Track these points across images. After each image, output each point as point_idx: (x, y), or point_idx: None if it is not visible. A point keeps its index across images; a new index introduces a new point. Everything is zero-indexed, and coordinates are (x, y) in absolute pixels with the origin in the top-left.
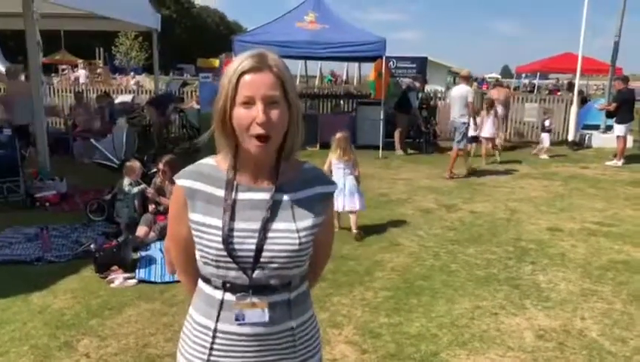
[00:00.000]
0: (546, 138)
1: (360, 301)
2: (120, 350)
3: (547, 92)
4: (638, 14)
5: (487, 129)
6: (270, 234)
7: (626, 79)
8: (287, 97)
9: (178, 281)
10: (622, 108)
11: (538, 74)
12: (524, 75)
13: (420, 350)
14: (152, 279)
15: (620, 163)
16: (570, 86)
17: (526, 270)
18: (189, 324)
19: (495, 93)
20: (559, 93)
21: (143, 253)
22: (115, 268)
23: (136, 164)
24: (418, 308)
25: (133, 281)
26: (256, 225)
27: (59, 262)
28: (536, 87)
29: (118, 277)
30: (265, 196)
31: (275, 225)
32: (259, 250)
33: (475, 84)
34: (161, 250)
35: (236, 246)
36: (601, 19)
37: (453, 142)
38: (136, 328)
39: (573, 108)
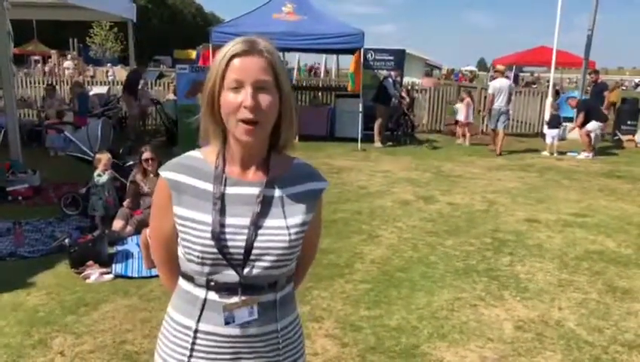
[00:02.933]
0: (554, 133)
1: (340, 294)
2: (96, 347)
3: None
4: (612, 11)
5: (464, 115)
6: (260, 231)
7: (596, 72)
8: (279, 84)
9: (156, 276)
10: (591, 113)
11: (514, 67)
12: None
13: (400, 342)
14: (129, 274)
15: (591, 155)
16: (516, 78)
17: (504, 261)
18: (167, 324)
19: (425, 82)
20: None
21: (120, 248)
22: (90, 263)
23: (103, 155)
24: (398, 301)
25: (110, 276)
26: (246, 221)
27: (32, 258)
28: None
29: (93, 273)
30: (254, 190)
31: (266, 222)
32: (249, 246)
33: (452, 77)
34: (137, 244)
35: (227, 243)
36: (575, 13)
37: (494, 127)
38: (113, 324)
39: (548, 101)
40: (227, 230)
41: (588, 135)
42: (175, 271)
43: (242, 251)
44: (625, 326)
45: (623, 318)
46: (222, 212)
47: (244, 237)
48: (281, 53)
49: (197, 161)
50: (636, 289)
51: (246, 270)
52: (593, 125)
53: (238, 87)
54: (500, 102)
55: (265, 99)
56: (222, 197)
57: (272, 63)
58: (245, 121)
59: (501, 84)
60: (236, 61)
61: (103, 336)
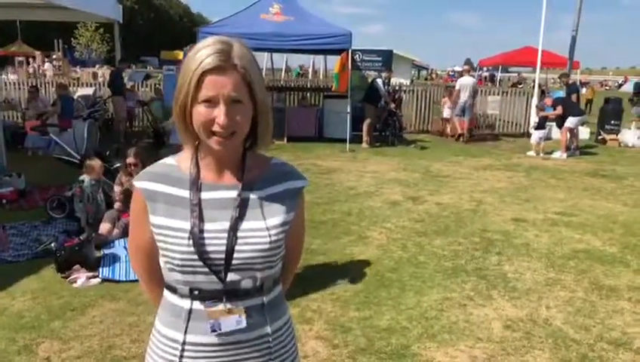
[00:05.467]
0: (541, 134)
1: (330, 295)
2: (83, 353)
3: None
4: (596, 12)
5: (446, 112)
6: (240, 234)
7: (566, 75)
8: (253, 96)
9: None
10: (567, 108)
11: (500, 67)
12: (485, 68)
13: (390, 343)
14: (117, 278)
15: (565, 155)
16: (492, 78)
17: (492, 260)
18: (154, 338)
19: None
20: (482, 84)
21: (107, 251)
22: (77, 267)
23: (96, 162)
24: (387, 301)
25: (97, 280)
26: (225, 226)
27: (17, 262)
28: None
29: (80, 277)
30: (232, 194)
31: (245, 225)
32: (229, 251)
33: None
34: (125, 247)
35: (206, 249)
36: (559, 13)
37: (459, 118)
38: (101, 329)
39: (534, 101)
40: (206, 235)
41: (568, 132)
42: (158, 283)
43: (223, 256)
44: (611, 324)
45: (609, 316)
46: (200, 218)
47: (224, 241)
48: (267, 54)
49: (170, 168)
50: (621, 287)
51: (229, 275)
52: (571, 121)
53: (211, 101)
54: (464, 97)
55: (239, 112)
56: (199, 203)
57: (246, 78)
58: (218, 135)
59: (466, 81)
60: (209, 77)
61: (91, 341)
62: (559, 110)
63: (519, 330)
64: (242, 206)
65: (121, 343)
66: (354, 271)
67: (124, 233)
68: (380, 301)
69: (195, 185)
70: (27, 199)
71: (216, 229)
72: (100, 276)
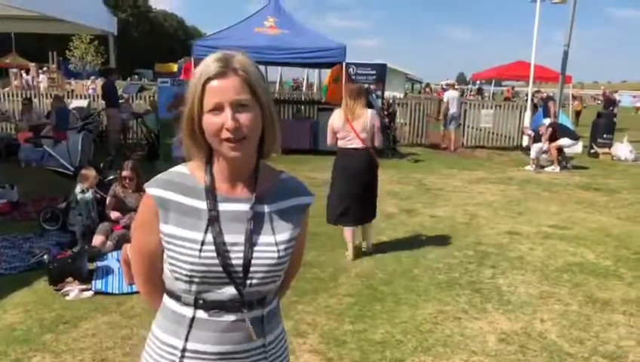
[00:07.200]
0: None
1: (324, 308)
2: None
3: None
4: (588, 28)
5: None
6: (254, 248)
7: (538, 92)
8: (257, 98)
9: (137, 292)
10: (559, 131)
11: (493, 81)
12: (478, 82)
13: (385, 357)
14: (110, 290)
15: (557, 168)
16: (480, 91)
17: (486, 274)
18: (152, 343)
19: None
20: (472, 97)
21: (100, 264)
22: (70, 279)
23: (91, 171)
24: (382, 314)
25: (90, 293)
26: (238, 238)
27: (9, 275)
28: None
29: (73, 289)
30: (244, 207)
31: (257, 239)
32: (246, 263)
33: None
34: (118, 260)
35: (225, 262)
36: (555, 27)
37: (446, 128)
38: (93, 342)
39: (527, 114)
40: (226, 248)
41: (558, 149)
42: (158, 289)
43: (240, 268)
44: (605, 338)
45: (603, 329)
46: (219, 230)
47: (241, 254)
48: (262, 67)
49: (184, 177)
50: (615, 300)
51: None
52: (565, 141)
53: (218, 109)
54: (452, 109)
55: (245, 117)
56: (218, 215)
57: (247, 80)
58: (229, 140)
59: (453, 94)
60: (212, 84)
61: (83, 355)
62: (549, 132)
63: (514, 344)
64: (254, 219)
65: (113, 356)
66: (348, 284)
67: (118, 245)
68: (375, 314)
69: (212, 196)
70: (20, 211)
71: (230, 242)
72: (93, 288)
